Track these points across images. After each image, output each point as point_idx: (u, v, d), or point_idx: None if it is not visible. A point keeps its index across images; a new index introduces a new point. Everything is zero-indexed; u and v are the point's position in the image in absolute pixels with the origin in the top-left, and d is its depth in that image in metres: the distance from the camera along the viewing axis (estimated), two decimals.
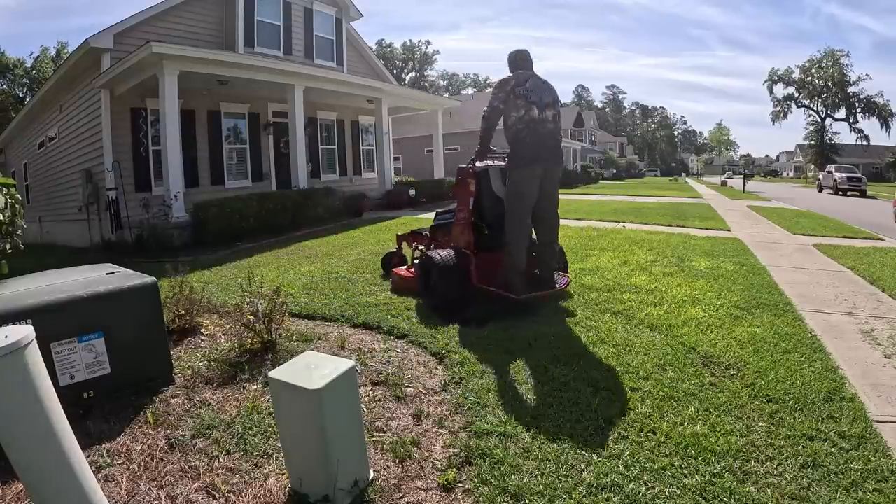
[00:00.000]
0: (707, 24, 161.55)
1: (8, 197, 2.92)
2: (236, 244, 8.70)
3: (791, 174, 71.69)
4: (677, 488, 2.01)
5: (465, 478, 2.12)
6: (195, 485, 2.10)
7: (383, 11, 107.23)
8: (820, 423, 2.46)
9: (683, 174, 76.91)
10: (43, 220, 14.32)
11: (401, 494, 2.05)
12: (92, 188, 10.42)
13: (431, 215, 11.81)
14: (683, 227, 9.72)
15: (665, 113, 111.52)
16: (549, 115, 4.13)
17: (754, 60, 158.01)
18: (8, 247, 2.90)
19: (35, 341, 1.65)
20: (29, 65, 37.95)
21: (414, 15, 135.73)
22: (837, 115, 52.34)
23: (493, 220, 4.38)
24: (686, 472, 2.11)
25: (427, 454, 2.31)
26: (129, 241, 9.41)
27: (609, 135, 76.02)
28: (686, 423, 2.47)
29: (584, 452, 2.25)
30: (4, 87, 36.77)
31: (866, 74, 62.87)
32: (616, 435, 2.39)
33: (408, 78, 72.98)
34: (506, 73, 4.30)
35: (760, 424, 2.47)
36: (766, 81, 54.94)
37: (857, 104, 50.56)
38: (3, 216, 2.84)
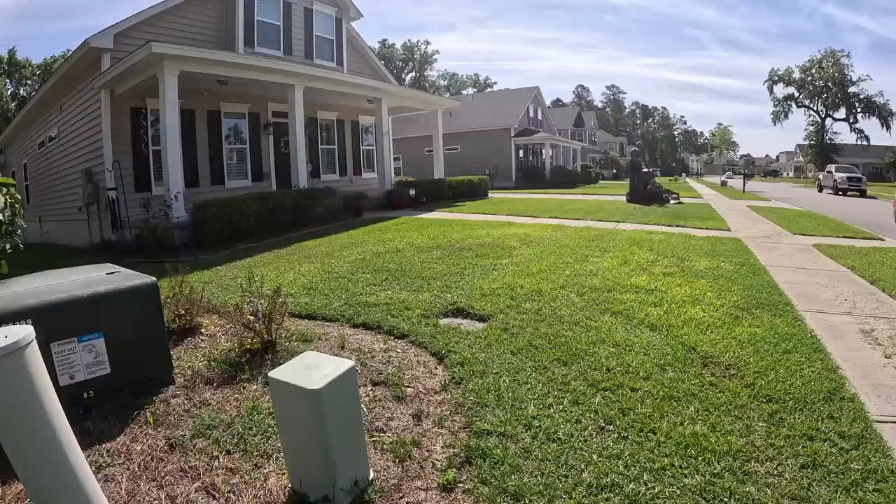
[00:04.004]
0: (704, 25, 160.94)
1: (8, 197, 2.92)
2: (236, 244, 8.69)
3: (791, 174, 71.66)
4: (677, 488, 2.01)
5: (465, 478, 2.12)
6: (195, 485, 2.10)
7: (380, 12, 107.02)
8: (820, 423, 2.46)
9: (683, 174, 76.88)
10: (43, 220, 14.31)
11: (401, 494, 2.05)
12: (92, 188, 10.41)
13: (432, 215, 11.94)
14: (683, 227, 9.73)
15: (665, 113, 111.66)
16: (633, 159, 18.00)
17: (752, 60, 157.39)
18: (8, 247, 2.90)
19: (35, 341, 1.65)
20: (37, 62, 37.72)
21: (409, 16, 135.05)
22: (837, 115, 52.30)
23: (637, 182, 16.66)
24: (686, 472, 2.11)
25: (427, 454, 2.31)
26: (129, 241, 9.40)
27: (609, 135, 76.04)
28: (686, 423, 2.47)
29: (584, 452, 2.25)
30: (11, 89, 36.62)
31: (867, 75, 62.51)
32: (616, 435, 2.39)
33: (408, 78, 72.96)
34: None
35: (760, 424, 2.47)
36: (766, 81, 54.82)
37: (856, 104, 50.46)
38: (3, 216, 2.84)
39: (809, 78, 52.05)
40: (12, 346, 1.53)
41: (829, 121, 52.85)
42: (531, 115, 35.55)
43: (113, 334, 2.71)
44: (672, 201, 16.03)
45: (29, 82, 36.58)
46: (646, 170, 17.27)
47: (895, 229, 10.54)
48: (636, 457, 2.21)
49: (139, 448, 2.36)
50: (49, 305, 2.50)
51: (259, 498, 2.03)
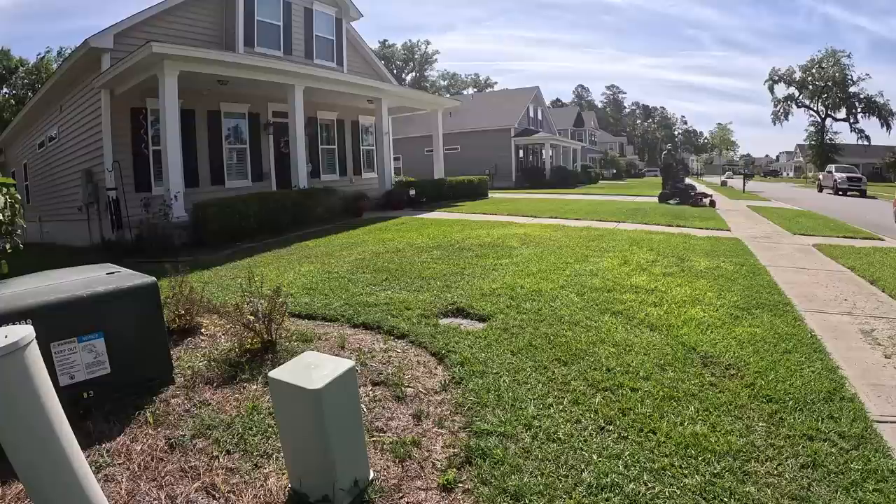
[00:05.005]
0: (703, 25, 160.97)
1: (8, 197, 2.92)
2: (236, 244, 8.69)
3: (791, 174, 71.64)
4: (677, 488, 2.01)
5: (465, 478, 2.12)
6: (195, 485, 2.10)
7: (380, 12, 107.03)
8: (820, 423, 2.46)
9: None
10: (43, 220, 14.31)
11: (401, 494, 2.05)
12: (92, 188, 10.41)
13: (432, 215, 11.96)
14: (683, 227, 9.72)
15: (665, 113, 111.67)
16: (668, 158, 24.22)
17: (752, 60, 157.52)
18: (8, 246, 2.90)
19: (35, 341, 1.65)
20: (32, 63, 37.59)
21: (409, 16, 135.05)
22: (838, 115, 52.28)
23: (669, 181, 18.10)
24: (686, 472, 2.11)
25: (427, 454, 2.31)
26: (129, 241, 9.39)
27: (609, 135, 76.03)
28: (686, 423, 2.47)
29: (584, 452, 2.25)
30: (5, 91, 36.60)
31: (867, 74, 62.39)
32: (616, 435, 2.39)
33: (408, 78, 72.95)
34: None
35: (760, 424, 2.47)
36: (766, 81, 54.72)
37: (857, 104, 50.42)
38: (3, 216, 2.84)
39: (810, 78, 52.01)
40: (12, 346, 1.53)
41: (829, 121, 52.84)
42: (531, 115, 35.55)
43: (113, 334, 2.71)
44: (689, 202, 15.71)
45: (23, 81, 36.51)
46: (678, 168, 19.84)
47: (895, 229, 10.54)
48: (636, 457, 2.21)
49: (139, 448, 2.36)
50: (49, 305, 2.50)
51: (259, 498, 2.03)
